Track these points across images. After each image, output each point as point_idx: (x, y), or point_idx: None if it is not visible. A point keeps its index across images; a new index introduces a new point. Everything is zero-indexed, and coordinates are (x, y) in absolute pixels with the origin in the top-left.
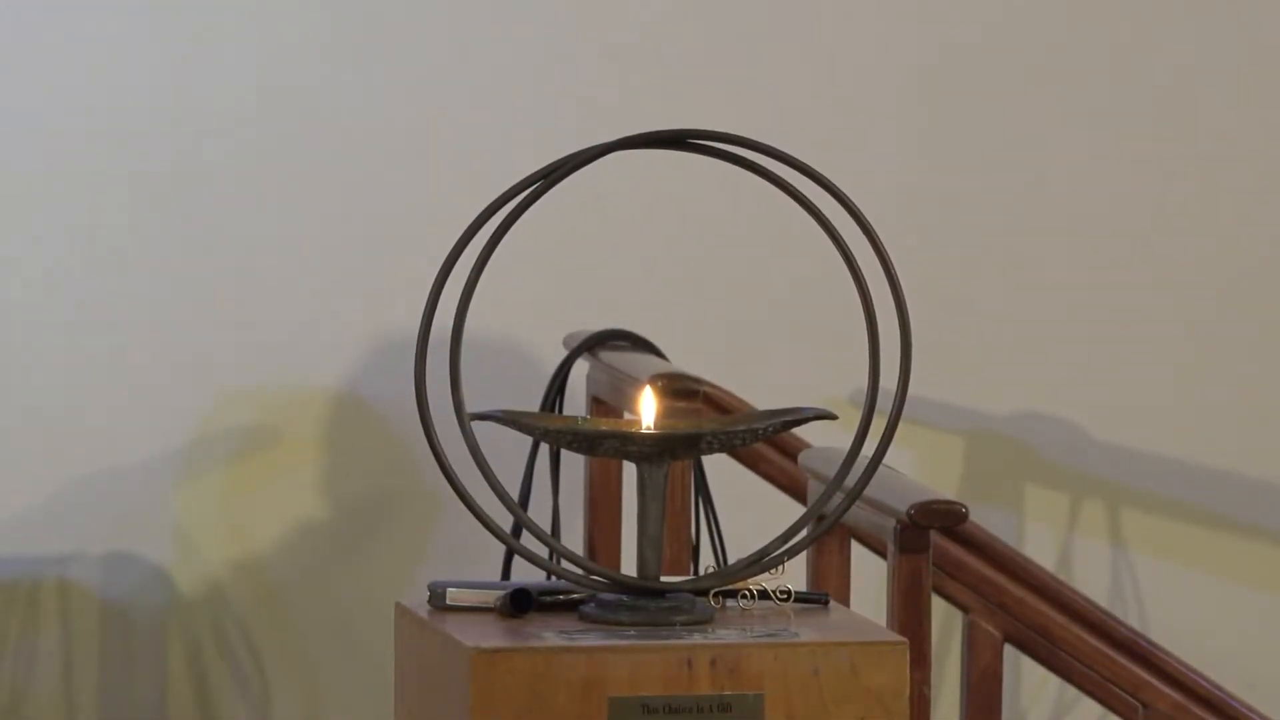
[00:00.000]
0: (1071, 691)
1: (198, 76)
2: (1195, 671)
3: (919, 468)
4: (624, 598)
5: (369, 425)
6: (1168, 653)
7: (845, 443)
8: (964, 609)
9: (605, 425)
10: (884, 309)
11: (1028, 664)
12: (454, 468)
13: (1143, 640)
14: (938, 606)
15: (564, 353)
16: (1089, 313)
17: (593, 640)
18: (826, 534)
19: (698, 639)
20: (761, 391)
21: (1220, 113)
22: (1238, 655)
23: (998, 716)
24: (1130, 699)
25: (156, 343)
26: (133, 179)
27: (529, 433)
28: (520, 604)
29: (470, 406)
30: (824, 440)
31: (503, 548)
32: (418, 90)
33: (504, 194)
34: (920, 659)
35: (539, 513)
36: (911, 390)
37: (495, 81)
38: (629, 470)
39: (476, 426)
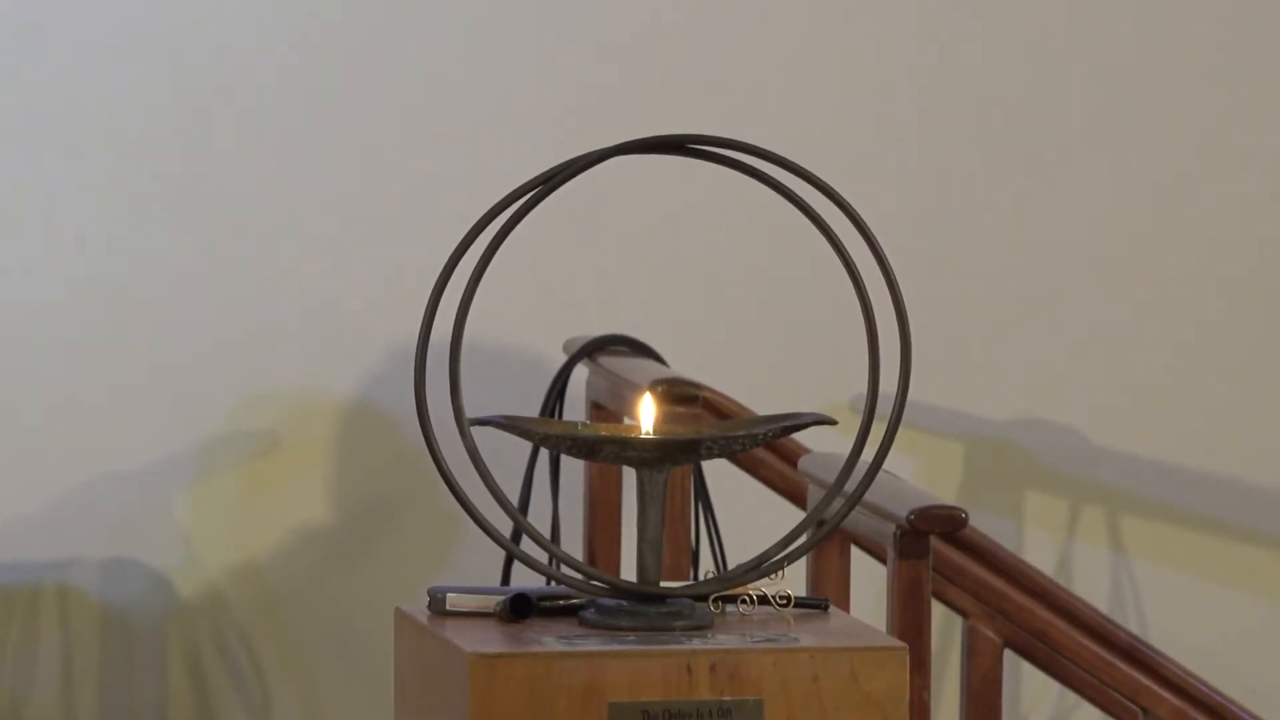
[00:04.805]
0: (1071, 697)
1: (207, 83)
2: (1195, 677)
3: (919, 473)
4: (624, 603)
5: (373, 431)
6: (1167, 658)
7: (845, 448)
8: (964, 614)
9: (605, 430)
10: (884, 314)
11: (1027, 669)
12: (454, 473)
13: (1142, 645)
14: (937, 612)
15: (564, 358)
16: (1089, 318)
17: (593, 645)
18: (826, 539)
19: (697, 644)
20: (761, 396)
21: (1222, 116)
22: (1238, 660)
23: None
24: (1130, 704)
25: (163, 349)
26: (141, 185)
27: (529, 438)
28: (520, 609)
29: (470, 412)
30: (823, 445)
31: (503, 553)
32: (420, 96)
33: (503, 199)
34: (920, 664)
35: (539, 518)
36: (911, 396)
37: (495, 87)
38: (629, 475)
39: (476, 432)
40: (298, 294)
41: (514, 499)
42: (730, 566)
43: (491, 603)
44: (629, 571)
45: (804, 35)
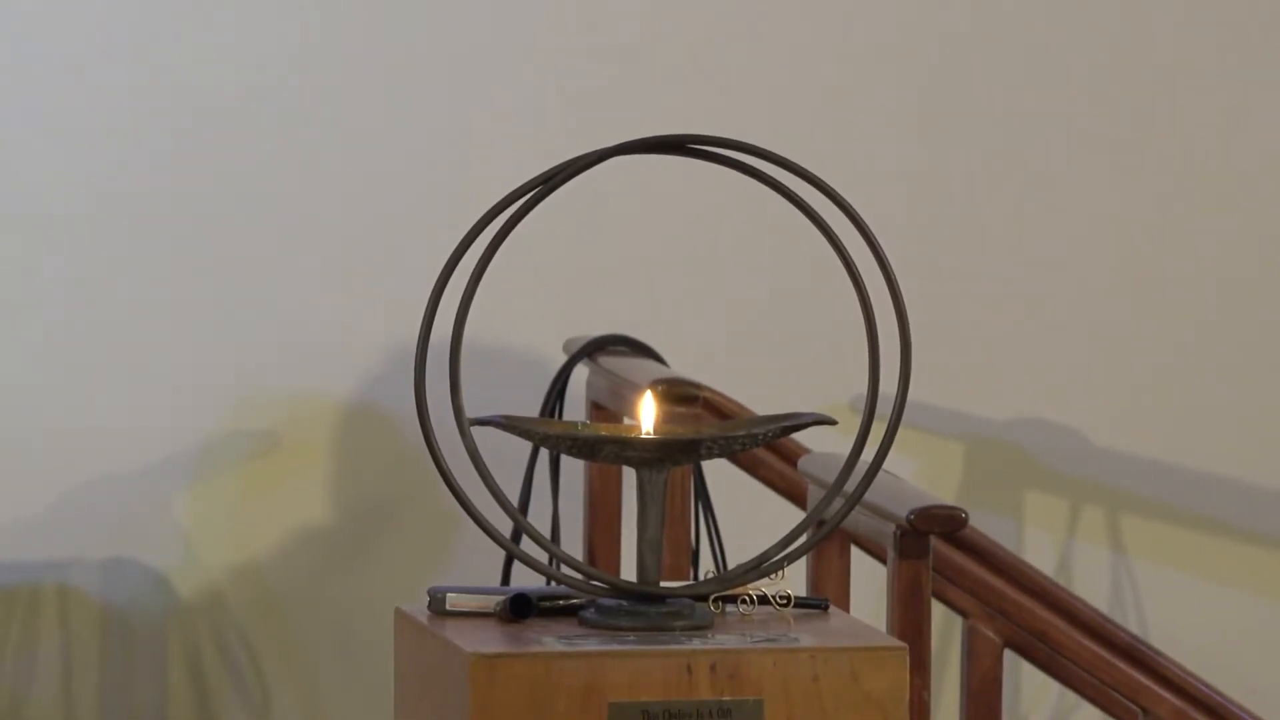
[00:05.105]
0: (1071, 697)
1: (207, 84)
2: (1195, 677)
3: (919, 473)
4: (624, 603)
5: (373, 431)
6: (1167, 658)
7: (845, 448)
8: (964, 614)
9: (605, 430)
10: (884, 314)
11: (1027, 669)
12: (454, 473)
13: (1142, 645)
14: (937, 612)
15: (564, 358)
16: (1088, 318)
17: (593, 645)
18: (826, 539)
19: (697, 644)
20: (761, 396)
21: (1222, 115)
22: (1237, 660)
23: None
24: (1130, 704)
25: (163, 349)
26: (141, 186)
27: (529, 438)
28: (520, 609)
29: (470, 412)
30: (823, 445)
31: (503, 553)
32: (420, 96)
33: (503, 199)
34: (920, 664)
35: (539, 518)
36: (911, 396)
37: (495, 87)
38: (629, 475)
39: (477, 432)
40: (298, 294)
41: (514, 499)
42: (730, 566)
43: (491, 603)
44: (629, 571)
45: (804, 35)
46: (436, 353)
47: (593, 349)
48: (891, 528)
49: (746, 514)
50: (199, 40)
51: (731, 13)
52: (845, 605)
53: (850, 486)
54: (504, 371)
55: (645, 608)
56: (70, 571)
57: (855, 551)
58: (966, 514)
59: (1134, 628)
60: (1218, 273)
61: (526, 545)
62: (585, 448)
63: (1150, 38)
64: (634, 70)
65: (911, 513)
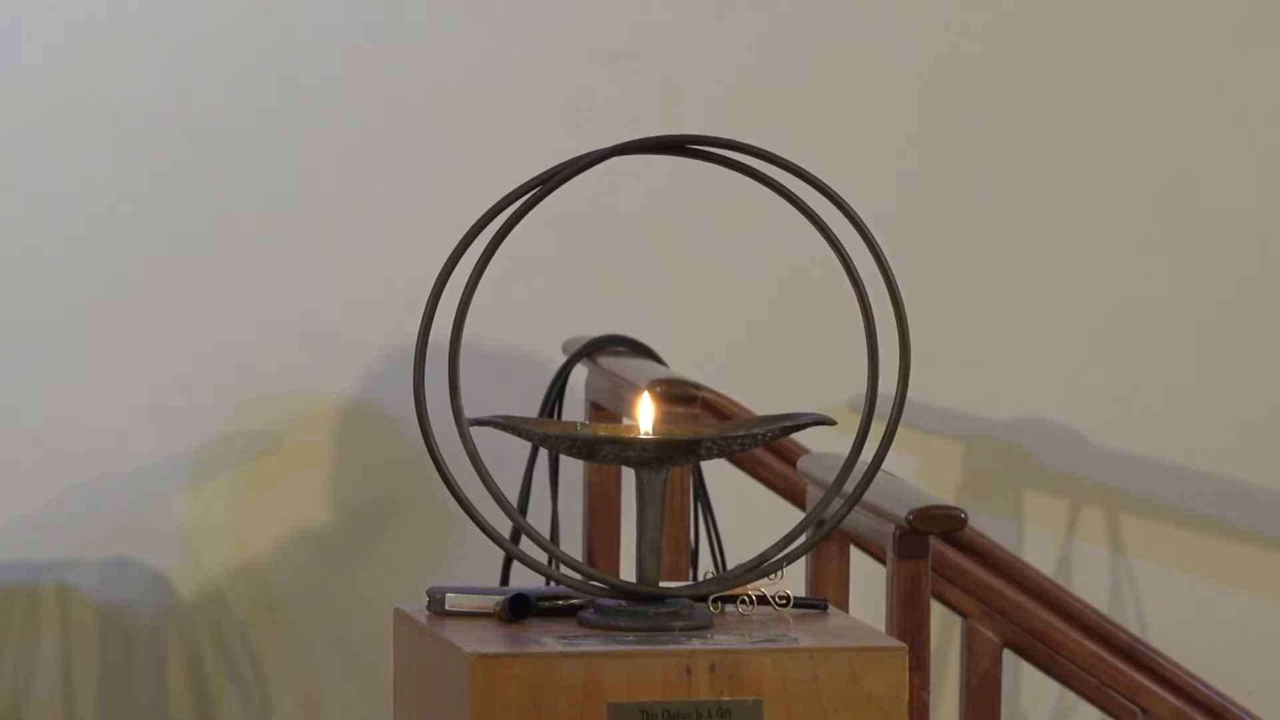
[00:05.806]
0: (1070, 697)
1: (205, 82)
2: (1194, 677)
3: (918, 473)
4: (623, 603)
5: (373, 431)
6: (1167, 658)
7: (844, 448)
8: (963, 614)
9: (604, 431)
10: (883, 314)
11: (1027, 669)
12: (454, 473)
13: (1142, 646)
14: (937, 612)
15: (563, 358)
16: (1088, 318)
17: (592, 646)
18: (826, 539)
19: (697, 644)
20: (760, 397)
21: (1223, 115)
22: (1237, 661)
23: None
24: (1129, 704)
25: (162, 348)
26: (138, 184)
27: (528, 438)
28: (519, 609)
29: (469, 412)
30: (823, 446)
31: (502, 553)
32: (420, 96)
33: (502, 200)
34: (919, 665)
35: (538, 518)
36: (910, 396)
37: (494, 87)
38: (628, 475)
39: (476, 432)
40: (297, 294)
41: (513, 499)
42: (730, 567)
43: (491, 603)
44: (628, 572)
45: (803, 35)
46: (436, 353)
47: (592, 349)
48: (891, 528)
49: (746, 514)
50: (200, 41)
51: (731, 13)
52: (844, 605)
53: (849, 486)
54: (503, 372)
55: (645, 608)
56: (70, 571)
57: (855, 552)
58: (966, 514)
59: (1134, 628)
60: (1217, 273)
61: (526, 545)
62: (585, 448)
63: (1151, 37)
64: (633, 71)
65: (911, 513)
